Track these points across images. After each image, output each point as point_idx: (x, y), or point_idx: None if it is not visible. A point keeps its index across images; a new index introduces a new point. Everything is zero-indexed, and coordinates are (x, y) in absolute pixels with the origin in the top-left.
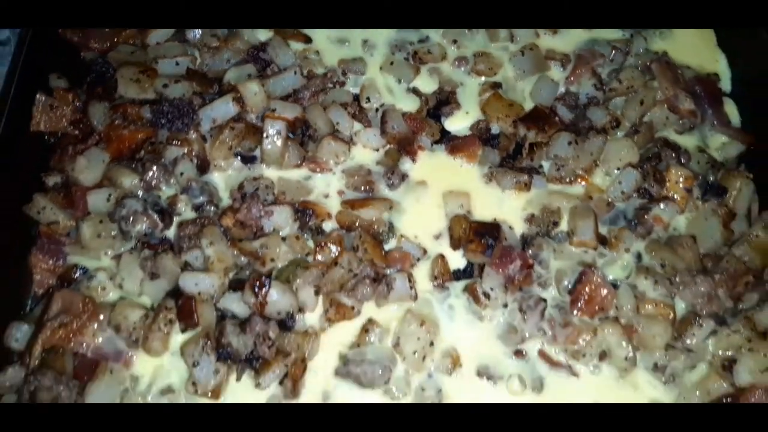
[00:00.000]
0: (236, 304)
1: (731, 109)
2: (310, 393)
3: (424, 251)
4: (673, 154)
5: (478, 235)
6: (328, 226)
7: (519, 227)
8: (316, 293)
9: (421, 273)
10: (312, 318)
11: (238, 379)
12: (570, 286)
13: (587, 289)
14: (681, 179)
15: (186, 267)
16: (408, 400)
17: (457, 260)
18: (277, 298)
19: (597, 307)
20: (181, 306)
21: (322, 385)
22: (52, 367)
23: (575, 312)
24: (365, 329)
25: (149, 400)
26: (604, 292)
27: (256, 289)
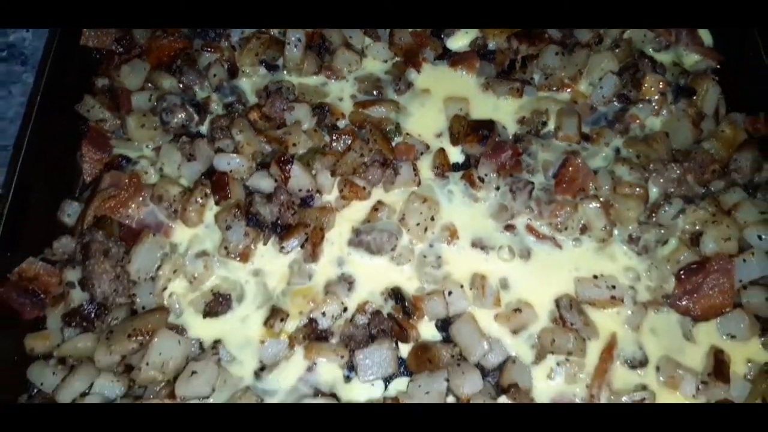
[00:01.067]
0: (264, 181)
1: (704, 34)
2: (327, 260)
3: (427, 146)
4: (650, 64)
5: (475, 129)
6: (342, 124)
7: (511, 128)
8: (332, 175)
9: (424, 165)
10: (329, 198)
11: (265, 243)
12: (555, 171)
13: (570, 170)
14: (656, 84)
15: (218, 152)
16: (411, 266)
17: (456, 156)
18: (298, 174)
19: (578, 188)
20: (216, 180)
21: (337, 253)
22: (102, 230)
23: (559, 193)
24: (375, 208)
25: (186, 262)
26: (585, 173)
27: (282, 164)
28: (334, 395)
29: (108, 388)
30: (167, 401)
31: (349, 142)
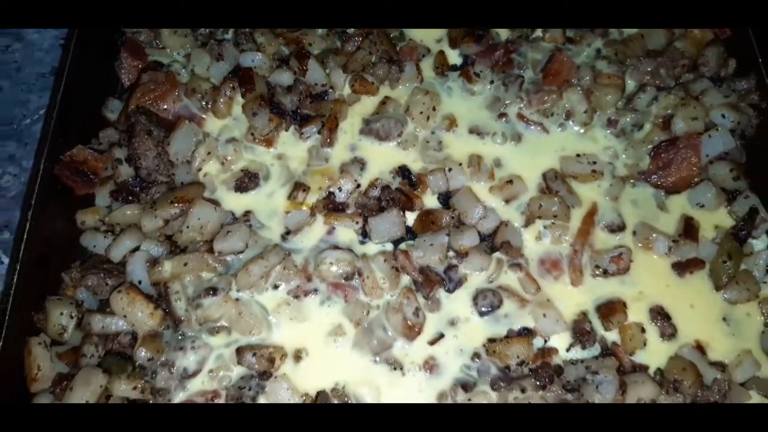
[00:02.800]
0: (284, 76)
1: None
2: (341, 146)
3: (428, 50)
4: None
5: (470, 32)
6: (351, 30)
7: (504, 35)
8: (344, 72)
9: (426, 66)
10: (341, 94)
11: (286, 129)
12: (542, 66)
13: (556, 64)
14: None
15: (243, 52)
16: (416, 150)
17: (454, 59)
18: (315, 67)
19: (563, 80)
20: (242, 75)
21: (349, 140)
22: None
23: (546, 84)
24: (382, 102)
25: (218, 147)
26: (569, 66)
27: (300, 58)
28: (351, 250)
29: (153, 249)
30: (206, 256)
31: (360, 41)
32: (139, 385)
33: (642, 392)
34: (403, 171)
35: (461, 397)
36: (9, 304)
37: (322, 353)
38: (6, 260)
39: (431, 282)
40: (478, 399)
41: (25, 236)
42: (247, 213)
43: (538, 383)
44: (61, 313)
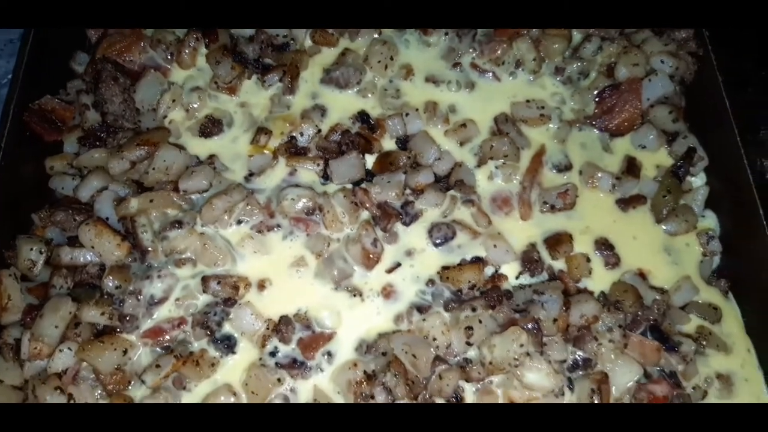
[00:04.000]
0: (247, 31)
1: None
2: (302, 94)
3: None
4: None
5: None
6: None
7: None
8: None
9: None
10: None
11: (249, 77)
12: None
13: None
14: None
15: None
16: (375, 97)
17: None
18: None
19: (513, 31)
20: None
21: (311, 89)
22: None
23: (498, 35)
24: (342, 54)
25: (182, 95)
26: None
27: None
28: (312, 188)
29: (120, 191)
30: (172, 194)
31: None
32: (107, 312)
33: (584, 309)
34: (362, 116)
35: (416, 318)
36: None
37: (285, 282)
38: None
39: (389, 216)
40: (432, 319)
41: None
42: (211, 157)
43: (488, 303)
44: (31, 249)
